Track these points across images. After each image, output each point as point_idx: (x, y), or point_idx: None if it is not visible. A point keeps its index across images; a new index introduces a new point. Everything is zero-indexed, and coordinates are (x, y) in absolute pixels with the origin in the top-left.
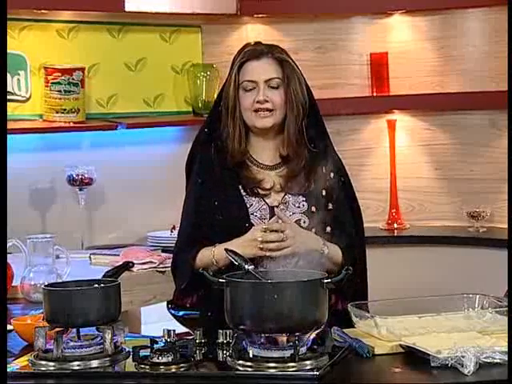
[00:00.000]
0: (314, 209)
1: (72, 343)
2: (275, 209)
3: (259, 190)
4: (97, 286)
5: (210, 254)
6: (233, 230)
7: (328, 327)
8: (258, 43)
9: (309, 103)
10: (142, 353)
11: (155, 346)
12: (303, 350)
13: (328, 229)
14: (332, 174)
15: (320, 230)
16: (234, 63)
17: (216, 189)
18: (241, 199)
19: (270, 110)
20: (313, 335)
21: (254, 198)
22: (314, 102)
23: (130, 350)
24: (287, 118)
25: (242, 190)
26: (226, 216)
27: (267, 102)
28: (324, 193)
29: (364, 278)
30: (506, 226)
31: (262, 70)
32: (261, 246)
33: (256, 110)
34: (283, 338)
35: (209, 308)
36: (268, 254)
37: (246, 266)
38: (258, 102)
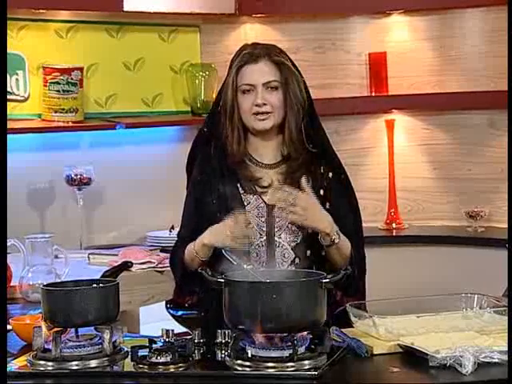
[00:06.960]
0: None
1: (71, 343)
2: (301, 179)
3: (257, 188)
4: (95, 285)
5: (192, 247)
6: None
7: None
8: (255, 44)
9: (307, 103)
10: (141, 353)
11: (154, 345)
12: (302, 349)
13: None
14: (330, 174)
15: None
16: (231, 66)
17: (215, 187)
18: (238, 197)
19: (269, 113)
20: (308, 335)
21: (251, 196)
22: (312, 102)
23: (129, 349)
24: (287, 119)
25: (240, 188)
26: (224, 214)
27: (265, 104)
28: (322, 192)
29: (363, 277)
30: (504, 225)
31: (259, 74)
32: (229, 232)
33: (255, 113)
34: (281, 338)
35: (207, 308)
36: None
37: (245, 266)
38: (256, 105)
